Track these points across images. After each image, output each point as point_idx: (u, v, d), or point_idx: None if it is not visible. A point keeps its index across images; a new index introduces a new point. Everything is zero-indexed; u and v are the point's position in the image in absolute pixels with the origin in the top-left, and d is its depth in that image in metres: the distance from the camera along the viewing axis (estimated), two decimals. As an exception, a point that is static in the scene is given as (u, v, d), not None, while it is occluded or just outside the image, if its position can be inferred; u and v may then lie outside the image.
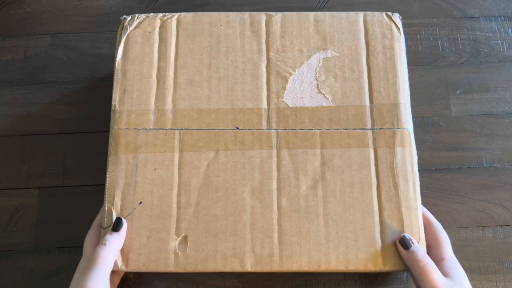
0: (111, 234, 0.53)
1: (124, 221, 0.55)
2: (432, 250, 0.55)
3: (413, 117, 0.59)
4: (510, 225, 0.64)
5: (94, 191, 0.66)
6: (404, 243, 0.53)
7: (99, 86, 0.71)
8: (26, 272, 0.63)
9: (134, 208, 0.55)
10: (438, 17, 0.75)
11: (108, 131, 0.58)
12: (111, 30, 0.74)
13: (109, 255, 0.52)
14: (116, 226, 0.54)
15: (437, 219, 0.57)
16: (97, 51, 0.73)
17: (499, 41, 0.73)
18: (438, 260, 0.54)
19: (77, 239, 0.64)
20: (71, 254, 0.63)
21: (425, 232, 0.56)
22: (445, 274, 0.52)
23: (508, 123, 0.69)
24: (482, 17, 0.75)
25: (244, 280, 0.62)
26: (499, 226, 0.64)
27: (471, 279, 0.62)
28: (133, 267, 0.54)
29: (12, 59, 0.73)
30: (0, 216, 0.65)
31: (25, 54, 0.73)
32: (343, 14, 0.63)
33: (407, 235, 0.54)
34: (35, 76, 0.72)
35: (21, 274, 0.63)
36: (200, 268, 0.54)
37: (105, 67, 0.72)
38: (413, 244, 0.53)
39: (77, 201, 0.66)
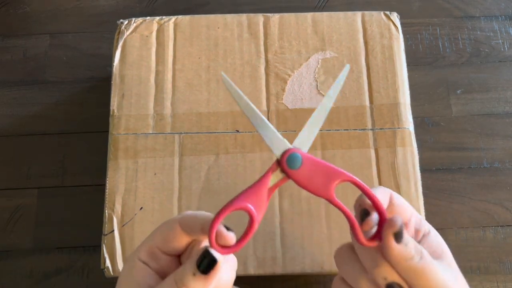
0: (194, 276, 0.33)
1: (220, 262, 0.34)
2: None
3: (413, 117, 0.59)
4: (511, 225, 0.64)
5: (94, 191, 0.66)
6: (400, 235, 0.36)
7: (99, 86, 0.71)
8: (25, 272, 0.63)
9: (135, 214, 0.55)
10: (439, 17, 0.74)
11: (108, 132, 0.58)
12: (111, 30, 0.74)
13: None
14: (207, 266, 0.34)
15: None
16: (97, 51, 0.73)
17: (500, 41, 0.73)
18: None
19: (76, 239, 0.64)
20: (71, 254, 0.63)
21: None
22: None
23: (509, 123, 0.68)
24: (482, 16, 0.74)
25: (244, 280, 0.62)
26: (500, 226, 0.64)
27: (471, 280, 0.62)
28: None
29: (12, 59, 0.73)
30: None
31: (24, 54, 0.73)
32: (341, 14, 0.62)
33: (399, 219, 0.36)
34: (35, 76, 0.72)
35: (21, 274, 0.63)
36: None
37: (105, 67, 0.72)
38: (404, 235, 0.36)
39: (76, 201, 0.65)
